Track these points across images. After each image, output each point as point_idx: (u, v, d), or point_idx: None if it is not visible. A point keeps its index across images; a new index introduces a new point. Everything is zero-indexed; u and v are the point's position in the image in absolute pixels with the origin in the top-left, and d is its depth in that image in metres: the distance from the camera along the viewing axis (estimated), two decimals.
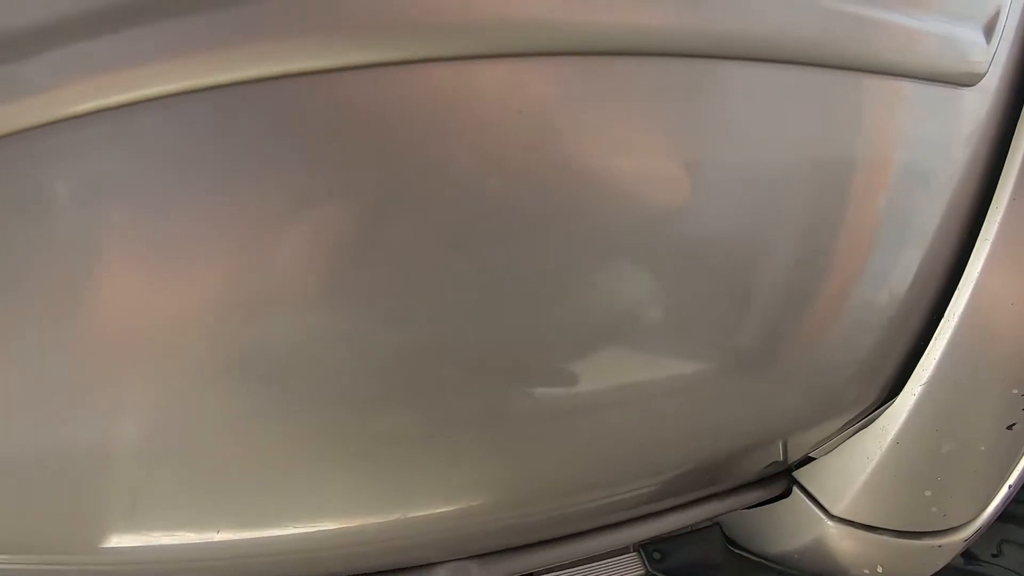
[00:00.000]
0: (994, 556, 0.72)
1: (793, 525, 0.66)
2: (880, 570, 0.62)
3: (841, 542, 0.62)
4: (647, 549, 0.72)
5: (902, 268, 0.50)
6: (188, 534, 0.42)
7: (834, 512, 0.61)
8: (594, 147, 0.39)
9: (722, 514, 0.67)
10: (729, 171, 0.43)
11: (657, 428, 0.51)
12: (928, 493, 0.56)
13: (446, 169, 0.37)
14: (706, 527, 0.77)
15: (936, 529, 0.59)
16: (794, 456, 0.63)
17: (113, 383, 0.37)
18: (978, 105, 0.45)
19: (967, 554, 0.67)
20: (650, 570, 0.71)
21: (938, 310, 0.52)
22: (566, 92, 0.37)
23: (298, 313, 0.37)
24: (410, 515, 0.47)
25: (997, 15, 0.44)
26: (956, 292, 0.51)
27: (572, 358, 0.45)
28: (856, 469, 0.58)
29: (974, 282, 0.50)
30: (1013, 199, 0.48)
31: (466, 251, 0.39)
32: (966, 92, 0.44)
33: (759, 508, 0.68)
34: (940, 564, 0.62)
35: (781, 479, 0.67)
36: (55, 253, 0.33)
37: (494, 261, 0.40)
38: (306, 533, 0.44)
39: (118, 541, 0.42)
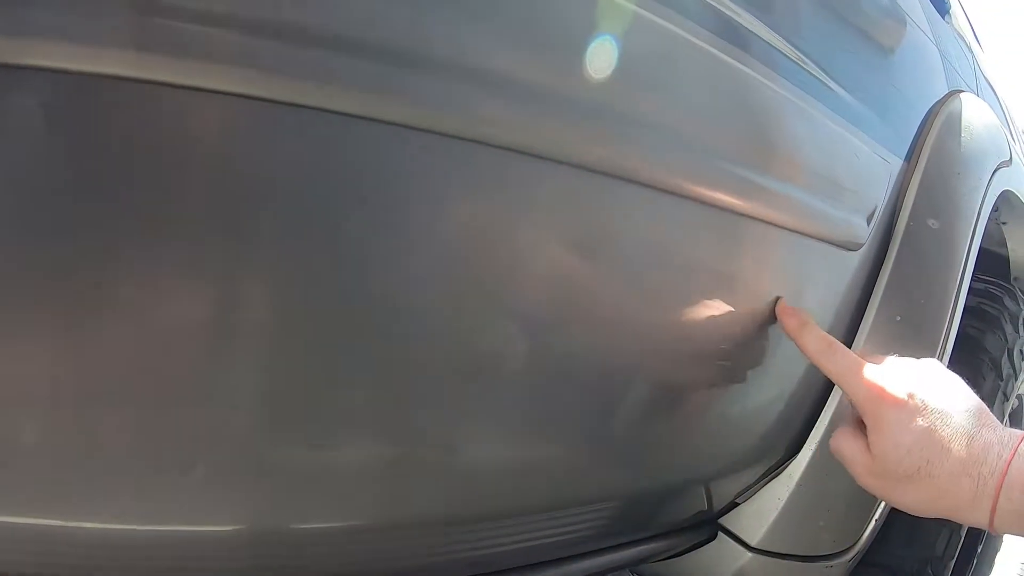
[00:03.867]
0: None
1: (716, 559, 0.79)
2: None
3: (758, 570, 0.76)
4: None
5: (798, 366, 0.70)
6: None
7: (752, 544, 0.75)
8: (535, 244, 0.44)
9: (652, 559, 0.75)
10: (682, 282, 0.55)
11: (579, 470, 0.57)
12: (821, 523, 0.74)
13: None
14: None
15: (828, 553, 0.76)
16: (720, 504, 0.77)
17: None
18: (858, 261, 0.70)
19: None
20: None
21: (826, 390, 0.73)
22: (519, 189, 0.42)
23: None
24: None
25: (874, 210, 0.70)
26: (834, 388, 0.72)
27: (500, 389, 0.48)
28: (769, 508, 0.74)
29: None
30: (875, 322, 0.72)
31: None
32: (851, 253, 0.69)
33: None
34: None
35: (708, 525, 0.79)
36: None
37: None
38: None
39: None
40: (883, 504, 0.78)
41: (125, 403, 0.36)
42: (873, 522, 0.78)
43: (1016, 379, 1.03)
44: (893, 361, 0.60)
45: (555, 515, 0.60)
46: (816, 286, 0.67)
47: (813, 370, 0.70)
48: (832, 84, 0.65)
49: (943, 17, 0.97)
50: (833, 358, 0.60)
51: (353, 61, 0.35)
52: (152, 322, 0.35)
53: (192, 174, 0.33)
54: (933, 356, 0.76)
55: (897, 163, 0.75)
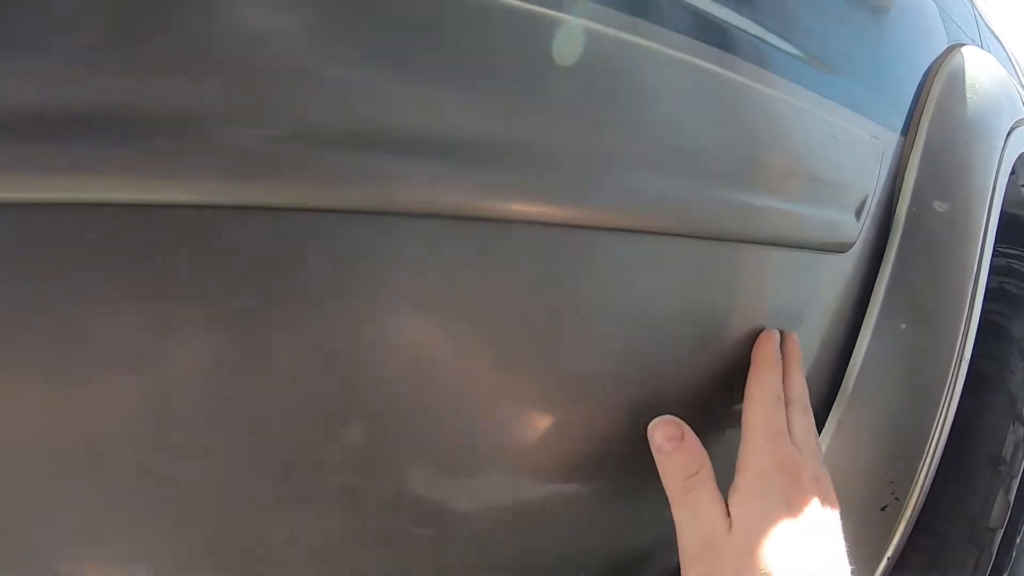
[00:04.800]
0: None
1: None
2: None
3: None
4: None
5: None
6: None
7: None
8: (483, 309, 0.38)
9: None
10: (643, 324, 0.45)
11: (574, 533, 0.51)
12: None
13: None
14: None
15: None
16: None
17: None
18: (849, 264, 0.58)
19: None
20: None
21: (821, 418, 0.61)
22: (468, 257, 0.37)
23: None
24: None
25: (865, 200, 0.57)
26: (834, 405, 0.61)
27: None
28: None
29: (847, 396, 0.60)
30: (875, 334, 0.60)
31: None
32: (839, 256, 0.57)
33: None
34: None
35: None
36: None
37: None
38: None
39: None
40: (893, 546, 0.67)
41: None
42: (885, 560, 0.67)
43: None
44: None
45: None
46: (797, 302, 0.55)
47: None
48: (793, 50, 0.53)
49: None
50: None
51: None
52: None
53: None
54: (949, 366, 0.64)
55: (891, 139, 0.63)
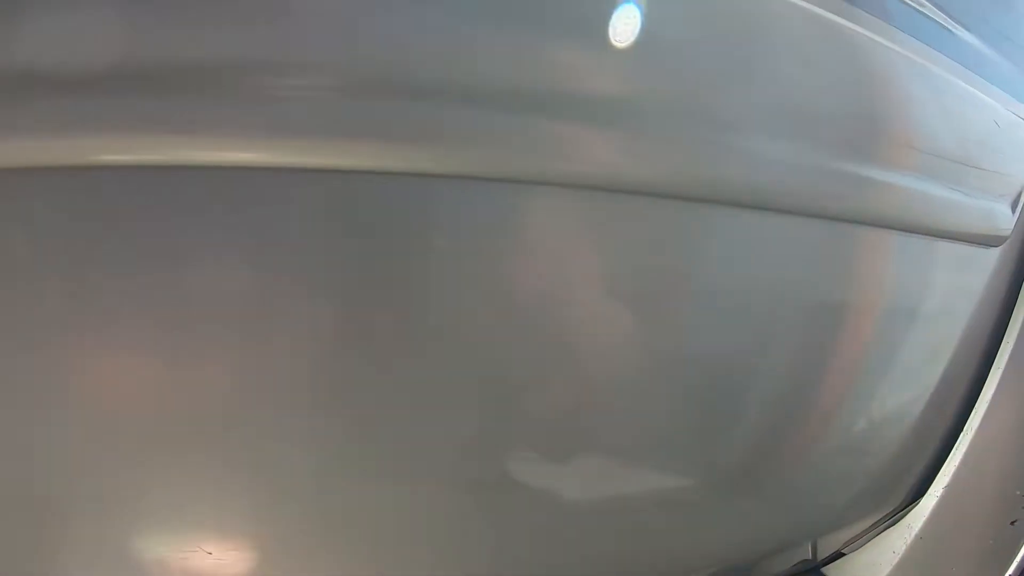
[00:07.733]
0: None
1: None
2: None
3: None
4: None
5: (926, 392, 0.56)
6: None
7: None
8: (598, 280, 0.37)
9: None
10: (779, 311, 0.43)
11: (682, 532, 0.51)
12: None
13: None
14: None
15: None
16: (824, 553, 0.65)
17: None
18: (998, 260, 0.54)
19: None
20: None
21: (957, 424, 0.58)
22: (572, 224, 0.36)
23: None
24: None
25: (1021, 191, 0.53)
26: (973, 411, 0.58)
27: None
28: (883, 563, 0.61)
29: (987, 403, 0.57)
30: (1021, 334, 0.57)
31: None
32: (991, 250, 0.53)
33: None
34: None
35: (809, 574, 0.67)
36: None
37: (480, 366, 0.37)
38: None
39: None
40: (1015, 563, 0.62)
41: None
42: None
43: None
44: None
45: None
46: (943, 299, 0.51)
47: (940, 401, 0.56)
48: (953, 27, 0.49)
49: None
50: None
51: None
52: None
53: None
54: None
55: None
